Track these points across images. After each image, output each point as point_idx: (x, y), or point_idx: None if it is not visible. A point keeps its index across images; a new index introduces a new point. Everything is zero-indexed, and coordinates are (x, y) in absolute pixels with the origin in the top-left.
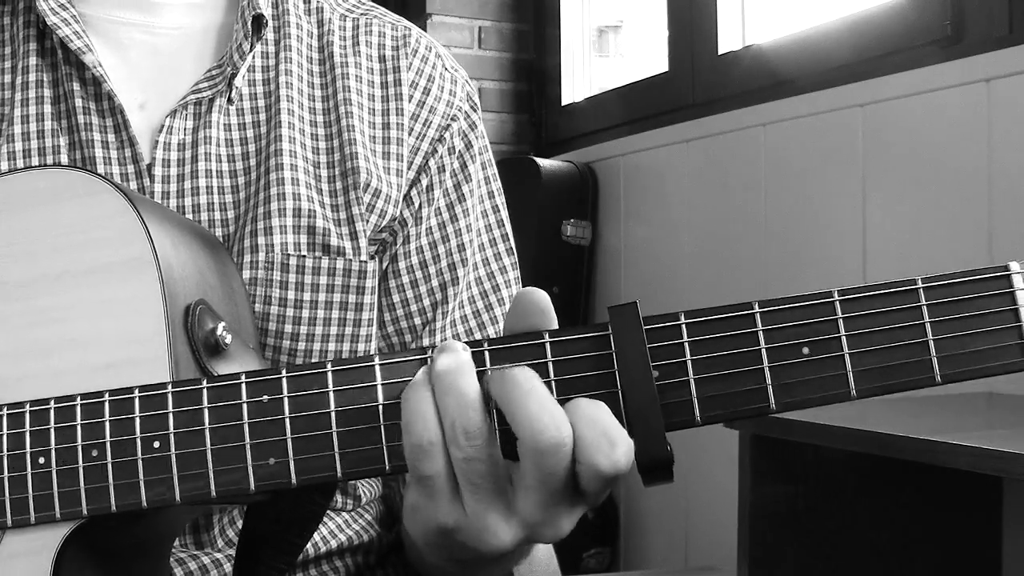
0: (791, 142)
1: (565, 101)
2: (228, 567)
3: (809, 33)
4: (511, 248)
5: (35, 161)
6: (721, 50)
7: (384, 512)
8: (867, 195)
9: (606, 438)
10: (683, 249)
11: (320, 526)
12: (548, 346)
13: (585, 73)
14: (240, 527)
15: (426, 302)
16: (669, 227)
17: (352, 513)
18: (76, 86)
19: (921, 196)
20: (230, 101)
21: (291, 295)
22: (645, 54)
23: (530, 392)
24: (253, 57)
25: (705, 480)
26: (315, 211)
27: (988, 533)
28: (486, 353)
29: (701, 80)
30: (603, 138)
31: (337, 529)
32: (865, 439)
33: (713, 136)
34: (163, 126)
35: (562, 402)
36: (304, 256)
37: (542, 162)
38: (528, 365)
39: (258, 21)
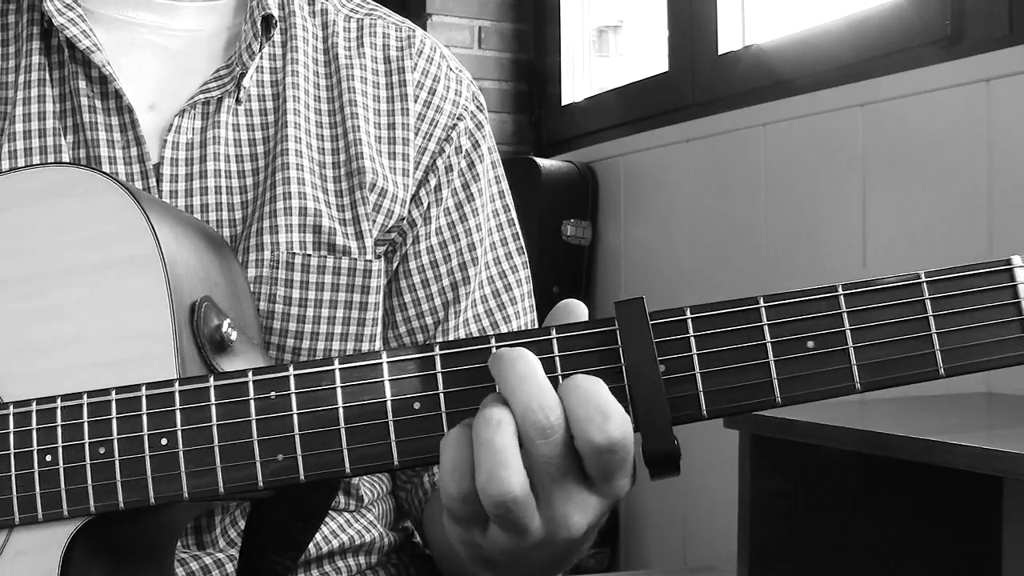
0: (791, 142)
1: (565, 101)
2: (230, 567)
3: (809, 33)
4: (521, 247)
5: (36, 160)
6: (721, 50)
7: (388, 511)
8: (867, 195)
9: (599, 412)
10: (683, 249)
11: (321, 526)
12: (555, 341)
13: (585, 73)
14: (242, 527)
15: (437, 301)
16: (669, 227)
17: (353, 513)
18: (82, 84)
19: (921, 196)
20: (238, 101)
21: (296, 293)
22: (645, 54)
23: (521, 378)
24: (261, 58)
25: (705, 480)
26: (320, 210)
27: (988, 533)
28: (493, 350)
29: (701, 80)
30: (603, 138)
31: (339, 529)
32: (865, 439)
33: (713, 136)
34: (172, 125)
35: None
36: (309, 255)
37: (542, 162)
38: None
39: (267, 21)
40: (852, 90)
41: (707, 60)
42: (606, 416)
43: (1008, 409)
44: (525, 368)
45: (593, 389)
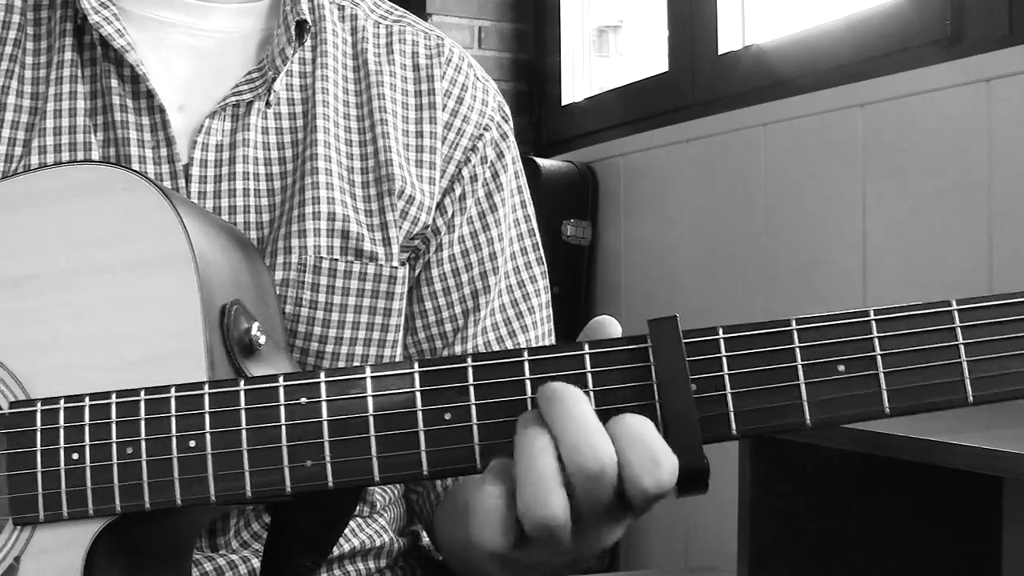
0: (791, 142)
1: (565, 101)
2: (243, 568)
3: (809, 33)
4: (541, 257)
5: (66, 156)
6: (721, 50)
7: (398, 516)
8: (867, 195)
9: (652, 460)
10: (683, 249)
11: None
12: (587, 357)
13: (585, 73)
14: (255, 530)
15: (458, 309)
16: (669, 227)
17: (366, 518)
18: (114, 83)
19: (921, 196)
20: (268, 105)
21: (321, 298)
22: (645, 54)
23: (570, 417)
24: (291, 63)
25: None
26: (348, 216)
27: (988, 533)
28: (525, 363)
29: (701, 80)
30: (603, 138)
31: (350, 533)
32: (865, 439)
33: (713, 136)
34: (202, 127)
35: (605, 414)
36: (336, 260)
37: (542, 162)
38: (567, 376)
39: (301, 27)
40: (852, 90)
41: (707, 60)
42: (658, 464)
43: (1008, 409)
44: (574, 407)
45: (644, 433)
